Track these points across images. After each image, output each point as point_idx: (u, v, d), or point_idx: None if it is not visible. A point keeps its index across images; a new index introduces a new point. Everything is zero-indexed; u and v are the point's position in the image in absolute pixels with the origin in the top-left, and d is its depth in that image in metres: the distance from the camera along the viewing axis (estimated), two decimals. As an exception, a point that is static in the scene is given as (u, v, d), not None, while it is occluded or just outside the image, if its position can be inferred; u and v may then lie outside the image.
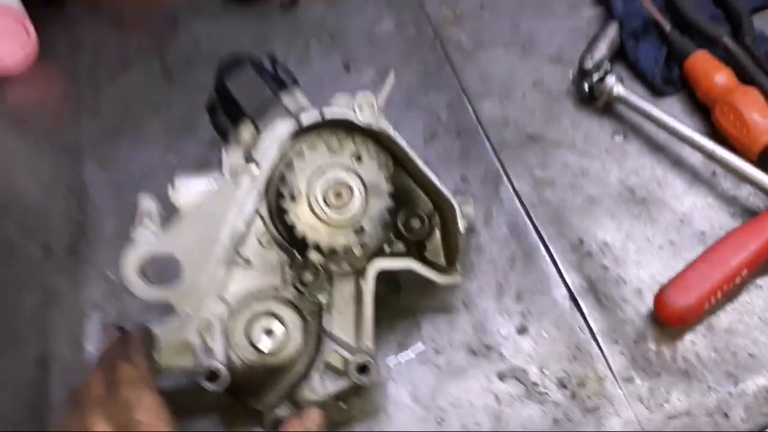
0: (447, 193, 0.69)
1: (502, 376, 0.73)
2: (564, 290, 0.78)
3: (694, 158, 0.85)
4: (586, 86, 0.90)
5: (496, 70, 0.99)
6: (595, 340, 0.74)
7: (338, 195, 0.68)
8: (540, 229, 0.82)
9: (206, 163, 0.90)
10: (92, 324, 0.83)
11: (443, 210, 0.74)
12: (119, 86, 1.10)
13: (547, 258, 0.80)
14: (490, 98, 0.96)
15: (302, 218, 0.68)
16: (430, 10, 1.09)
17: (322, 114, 0.68)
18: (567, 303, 0.77)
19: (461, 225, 0.69)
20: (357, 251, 0.70)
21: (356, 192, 0.69)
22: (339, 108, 0.70)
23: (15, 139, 1.08)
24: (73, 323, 0.84)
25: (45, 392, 0.79)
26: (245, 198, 0.69)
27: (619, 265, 0.79)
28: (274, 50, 1.07)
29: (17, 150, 1.07)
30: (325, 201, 0.68)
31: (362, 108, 0.68)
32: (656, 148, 0.87)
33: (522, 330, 0.76)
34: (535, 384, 0.72)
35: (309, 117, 0.68)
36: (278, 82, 0.75)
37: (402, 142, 0.68)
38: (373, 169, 0.69)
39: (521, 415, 0.70)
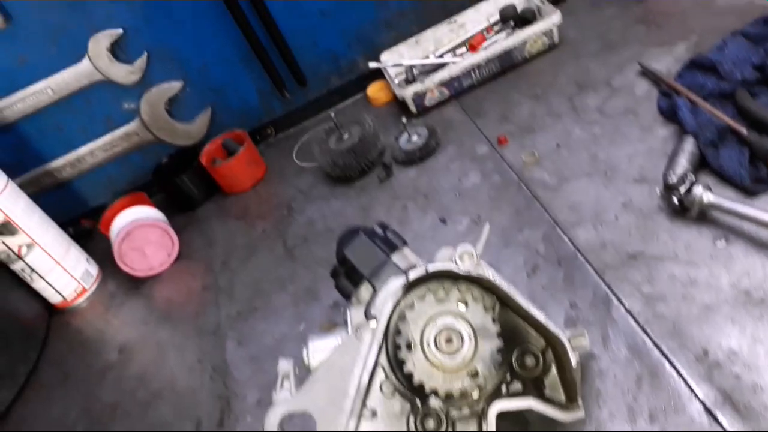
0: (554, 328, 0.72)
1: (651, 505, 0.70)
2: (698, 404, 0.75)
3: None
4: (675, 200, 0.93)
5: (583, 199, 1.05)
6: (744, 453, 0.69)
7: (449, 341, 0.73)
8: (660, 345, 0.82)
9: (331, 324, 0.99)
10: (243, 491, 0.89)
11: (555, 345, 0.76)
12: (249, 270, 1.26)
13: (674, 374, 0.78)
14: (583, 225, 1.01)
15: (419, 366, 0.74)
16: (509, 158, 1.20)
17: (426, 269, 0.76)
18: (704, 418, 0.74)
19: (573, 360, 0.71)
20: (474, 394, 0.74)
21: (465, 336, 0.74)
22: (441, 261, 0.77)
23: (165, 331, 1.24)
24: (226, 492, 0.90)
25: None
26: (368, 351, 0.76)
27: (752, 371, 0.75)
28: (377, 217, 1.22)
29: (168, 340, 1.21)
30: (437, 347, 0.74)
31: (463, 258, 0.75)
32: (762, 246, 0.87)
33: (663, 452, 0.73)
34: None
35: (415, 272, 0.76)
36: (389, 244, 0.85)
37: (503, 283, 0.73)
38: (479, 312, 0.75)
39: None
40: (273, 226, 1.34)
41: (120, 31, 1.33)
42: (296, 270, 1.21)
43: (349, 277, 0.86)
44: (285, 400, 0.76)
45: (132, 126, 1.46)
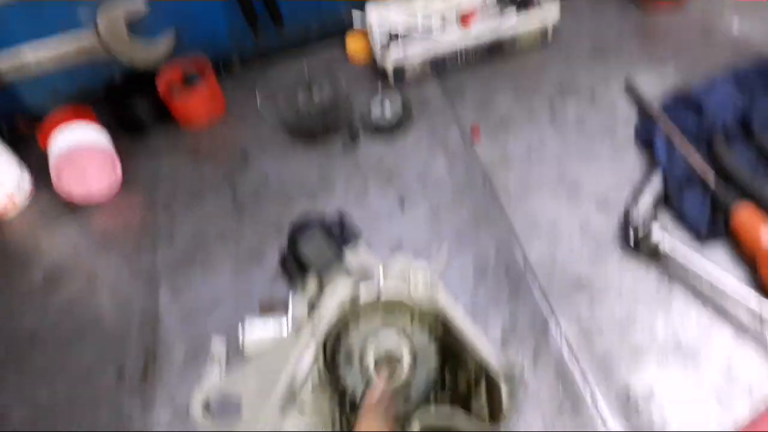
0: (495, 368, 0.72)
1: None
2: (610, 441, 0.79)
3: (741, 309, 0.87)
4: (631, 236, 0.94)
5: (543, 213, 1.05)
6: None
7: (389, 363, 0.73)
8: (587, 376, 0.84)
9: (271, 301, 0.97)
10: (158, 449, 0.89)
11: (490, 375, 0.76)
12: (193, 216, 1.21)
13: (594, 408, 0.82)
14: (538, 240, 1.01)
15: (352, 381, 0.74)
16: (480, 152, 1.17)
17: (378, 293, 0.74)
18: (614, 457, 0.78)
19: (505, 400, 0.71)
20: (401, 412, 0.75)
21: (405, 362, 0.74)
22: (397, 272, 0.76)
23: (99, 263, 1.19)
24: (141, 449, 0.89)
25: None
26: (304, 349, 0.75)
27: (665, 420, 0.80)
28: (336, 187, 1.19)
29: (99, 274, 1.16)
30: (375, 368, 0.73)
31: (417, 282, 0.73)
32: (702, 297, 0.89)
33: (569, 484, 0.77)
34: None
35: (366, 294, 0.74)
36: (343, 237, 0.83)
37: (455, 314, 0.73)
38: (424, 338, 0.75)
39: None
40: (224, 173, 1.28)
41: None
42: (242, 228, 1.17)
43: (297, 264, 0.84)
44: (215, 381, 0.75)
45: (85, 36, 1.33)
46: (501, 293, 0.96)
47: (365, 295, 0.73)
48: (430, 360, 0.74)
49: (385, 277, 0.75)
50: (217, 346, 0.78)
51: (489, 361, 0.72)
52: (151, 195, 1.28)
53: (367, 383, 0.73)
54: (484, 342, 0.73)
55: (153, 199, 1.27)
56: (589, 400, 0.83)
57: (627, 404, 0.82)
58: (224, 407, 0.85)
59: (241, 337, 0.77)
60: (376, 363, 0.73)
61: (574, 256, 0.98)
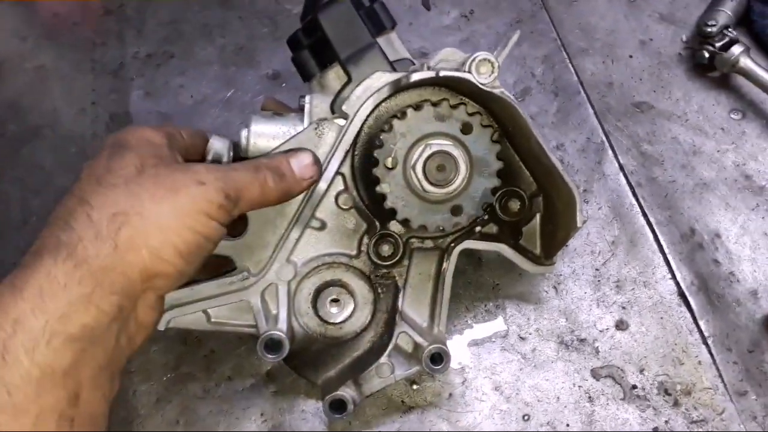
0: (570, 181, 0.59)
1: (596, 374, 0.66)
2: (672, 284, 0.69)
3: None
4: (705, 54, 0.80)
5: (599, 24, 0.88)
6: (706, 344, 0.66)
7: (441, 168, 0.59)
8: (647, 212, 0.74)
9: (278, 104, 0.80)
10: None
11: (553, 197, 0.63)
12: (167, 3, 0.98)
13: (655, 246, 0.72)
14: (592, 56, 0.86)
15: (395, 189, 0.60)
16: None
17: (437, 72, 0.58)
18: (675, 299, 0.69)
19: (579, 220, 0.59)
20: (449, 231, 0.63)
21: (461, 167, 0.59)
22: (446, 62, 0.59)
23: (48, 55, 0.97)
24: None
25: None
26: (329, 154, 0.60)
27: (732, 262, 0.71)
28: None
29: (52, 67, 0.95)
30: (424, 173, 0.59)
31: (479, 69, 0.57)
32: (780, 130, 0.78)
33: (621, 324, 0.68)
34: (633, 387, 0.65)
35: (421, 74, 0.58)
36: (375, 22, 0.64)
37: (525, 113, 0.58)
38: (484, 143, 0.60)
39: (617, 419, 0.64)
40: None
41: None
42: (229, 19, 0.95)
43: (314, 52, 0.66)
44: (213, 187, 0.60)
45: None
46: (547, 117, 0.82)
47: (418, 77, 0.57)
48: (490, 174, 0.60)
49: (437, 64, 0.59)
50: (217, 145, 0.62)
51: (566, 177, 0.58)
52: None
53: (413, 191, 0.59)
54: (559, 162, 0.59)
55: (116, -20, 1.03)
56: (650, 239, 0.72)
57: (692, 245, 0.72)
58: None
59: (244, 138, 0.61)
60: (427, 164, 0.58)
61: (633, 77, 0.84)
